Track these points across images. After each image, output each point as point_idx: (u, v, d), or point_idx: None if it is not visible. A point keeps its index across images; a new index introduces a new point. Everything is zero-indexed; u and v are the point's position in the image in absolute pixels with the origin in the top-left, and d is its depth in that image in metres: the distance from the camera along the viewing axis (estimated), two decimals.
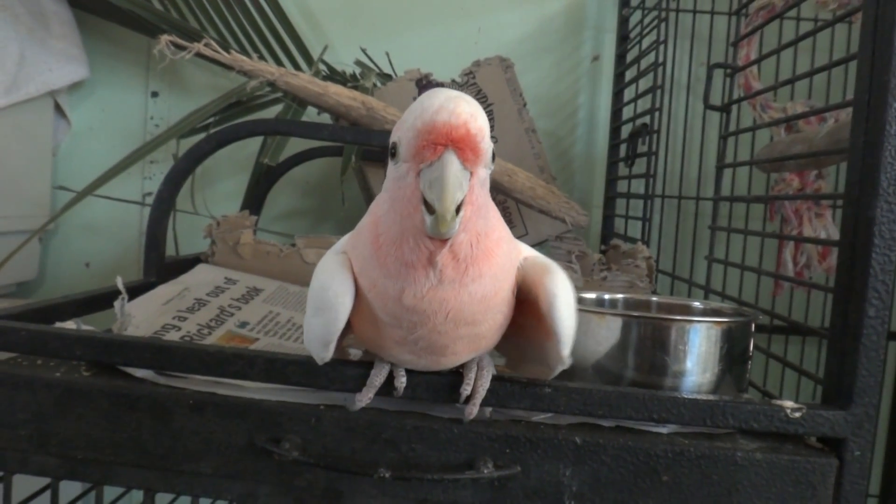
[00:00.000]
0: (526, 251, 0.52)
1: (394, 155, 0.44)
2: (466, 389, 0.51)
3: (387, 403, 0.54)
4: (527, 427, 0.54)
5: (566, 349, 0.49)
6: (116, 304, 0.63)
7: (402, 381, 0.51)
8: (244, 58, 1.01)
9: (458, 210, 0.40)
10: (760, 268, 1.07)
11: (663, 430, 0.54)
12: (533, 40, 1.34)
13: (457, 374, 0.53)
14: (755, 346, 0.64)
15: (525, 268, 0.50)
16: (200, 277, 0.80)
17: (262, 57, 1.21)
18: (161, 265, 0.83)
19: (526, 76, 1.28)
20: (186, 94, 1.37)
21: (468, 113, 0.41)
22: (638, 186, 1.22)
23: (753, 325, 0.60)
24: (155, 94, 1.38)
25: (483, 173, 0.43)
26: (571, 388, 0.53)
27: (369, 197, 1.14)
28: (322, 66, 1.20)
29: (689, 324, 0.56)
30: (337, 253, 0.52)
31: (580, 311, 0.56)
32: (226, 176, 1.35)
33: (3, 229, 1.21)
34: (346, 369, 0.53)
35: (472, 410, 0.52)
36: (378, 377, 0.52)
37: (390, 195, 0.44)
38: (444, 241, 0.42)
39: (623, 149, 1.21)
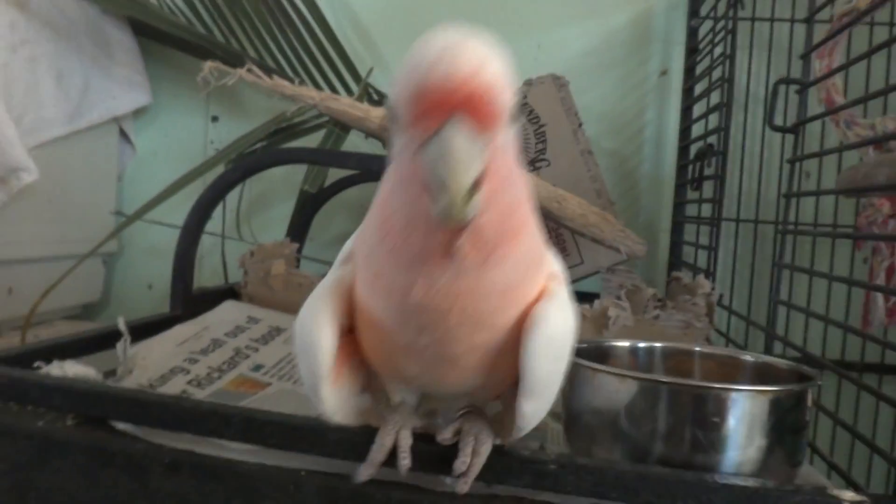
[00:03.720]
0: (554, 266, 0.45)
1: (394, 119, 0.36)
2: (461, 466, 0.45)
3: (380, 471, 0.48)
4: None
5: (528, 402, 0.42)
6: (119, 346, 0.61)
7: (406, 463, 0.44)
8: (285, 82, 1.00)
9: (474, 188, 0.33)
10: (847, 306, 0.94)
11: None
12: (596, 55, 1.26)
13: (452, 446, 0.47)
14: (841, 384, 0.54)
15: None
16: (223, 316, 0.78)
17: (314, 80, 1.20)
18: (188, 297, 0.81)
19: (588, 94, 1.21)
20: (245, 118, 1.37)
21: (475, 62, 0.32)
22: (708, 211, 1.12)
23: (810, 392, 0.51)
24: (215, 119, 1.39)
25: (505, 135, 0.35)
26: (581, 464, 0.45)
27: None
28: (370, 90, 1.16)
29: (727, 393, 0.47)
30: (336, 268, 0.46)
31: (598, 371, 0.49)
32: (280, 201, 1.34)
33: (69, 253, 1.24)
34: (329, 433, 0.48)
35: (464, 488, 0.45)
36: (380, 452, 0.45)
37: (395, 173, 0.37)
38: (461, 227, 0.35)
39: (691, 170, 1.11)
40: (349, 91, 1.19)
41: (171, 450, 0.50)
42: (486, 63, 0.33)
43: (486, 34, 0.34)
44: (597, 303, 0.83)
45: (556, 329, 0.41)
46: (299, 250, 1.08)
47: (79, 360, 0.62)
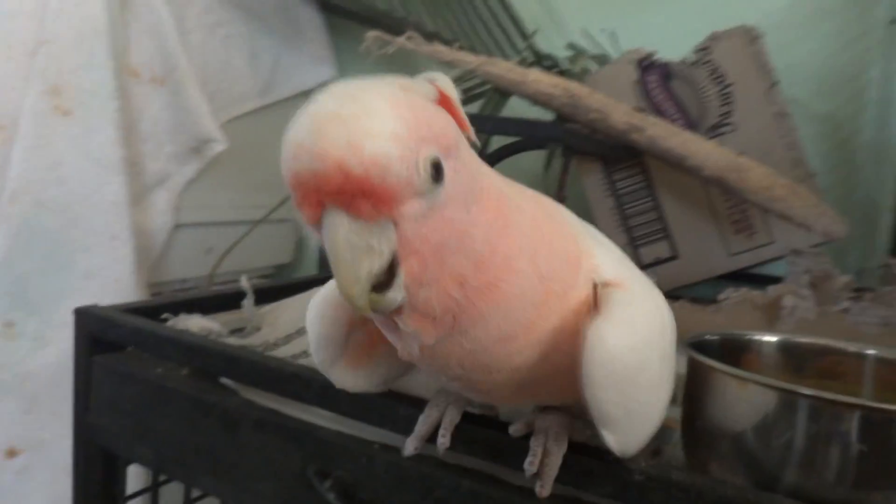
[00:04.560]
0: (602, 259, 0.38)
1: None
2: (531, 467, 0.39)
3: (449, 453, 0.45)
4: None
5: (608, 433, 0.36)
6: (245, 303, 0.63)
7: (444, 441, 0.41)
8: (443, 48, 0.97)
9: (390, 270, 0.29)
10: None
11: None
12: (804, 3, 1.07)
13: (525, 437, 0.41)
14: None
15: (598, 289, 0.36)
16: None
17: (486, 46, 1.16)
18: None
19: (794, 49, 1.04)
20: None
21: (342, 144, 0.27)
22: None
23: None
24: None
25: (422, 203, 0.29)
26: (674, 481, 0.38)
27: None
28: (531, 53, 1.10)
29: (882, 414, 0.36)
30: None
31: (715, 370, 0.41)
32: None
33: (260, 217, 1.35)
34: (400, 408, 0.45)
35: (544, 493, 0.39)
36: (425, 425, 0.42)
37: None
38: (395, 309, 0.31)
39: None
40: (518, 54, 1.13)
41: (261, 407, 0.51)
42: (360, 145, 0.27)
43: (381, 85, 0.29)
44: (770, 289, 0.71)
45: (617, 349, 0.34)
46: None
47: (221, 314, 0.66)
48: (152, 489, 0.58)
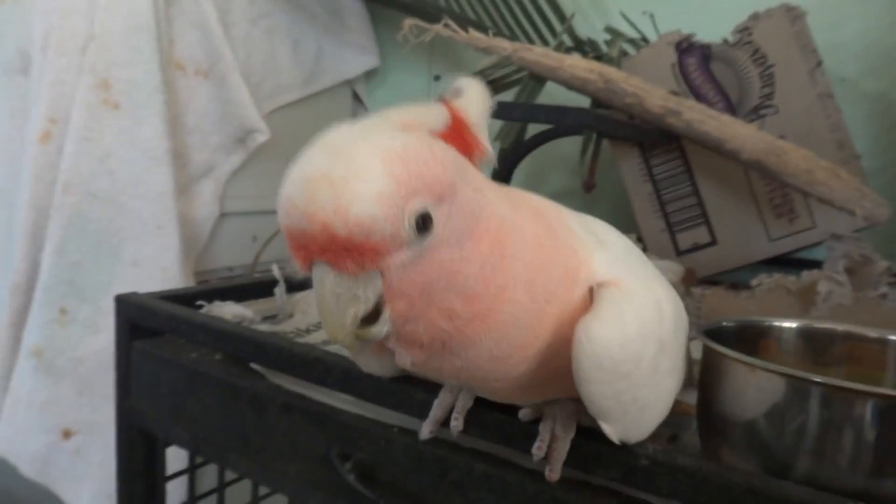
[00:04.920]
0: (600, 261, 0.38)
1: None
2: (538, 452, 0.40)
3: (463, 437, 0.46)
4: (621, 502, 0.40)
5: (607, 426, 0.36)
6: (276, 291, 0.65)
7: (456, 425, 0.43)
8: (479, 35, 0.98)
9: (376, 309, 0.31)
10: None
11: None
12: None
13: (535, 421, 0.42)
14: None
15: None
16: None
17: (525, 33, 1.16)
18: None
19: (841, 28, 1.01)
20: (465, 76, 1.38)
21: (329, 208, 0.28)
22: None
23: None
24: (437, 78, 1.42)
25: (408, 253, 0.31)
26: (679, 466, 0.38)
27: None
28: (569, 37, 1.09)
29: (884, 399, 0.35)
30: None
31: (725, 357, 0.40)
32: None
33: None
34: (416, 392, 0.46)
35: (553, 476, 0.40)
36: (439, 409, 0.44)
37: None
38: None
39: None
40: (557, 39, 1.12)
41: (287, 392, 0.53)
42: (346, 208, 0.29)
43: (378, 132, 0.30)
44: (805, 275, 0.69)
45: (606, 345, 0.34)
46: None
47: (256, 301, 0.69)
48: (189, 471, 0.61)
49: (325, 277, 0.30)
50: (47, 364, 0.96)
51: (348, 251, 0.29)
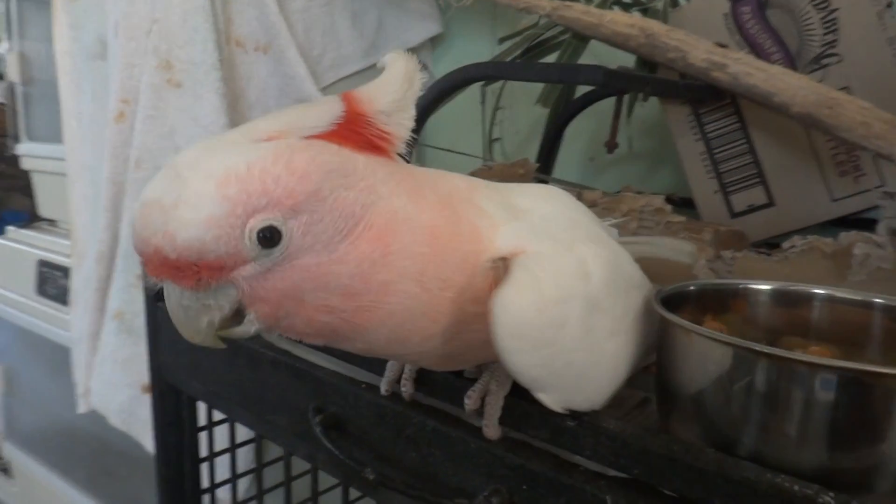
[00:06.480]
0: (505, 235, 0.37)
1: None
2: (469, 403, 0.41)
3: (422, 395, 0.47)
4: (555, 464, 0.40)
5: (543, 395, 0.36)
6: None
7: (406, 390, 0.45)
8: None
9: (235, 313, 0.33)
10: None
11: None
12: None
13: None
14: None
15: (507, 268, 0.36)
16: None
17: None
18: None
19: None
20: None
21: (159, 233, 0.30)
22: None
23: None
24: (502, 41, 1.40)
25: (256, 266, 0.32)
26: (602, 428, 0.37)
27: None
28: None
29: (847, 373, 0.33)
30: None
31: (668, 322, 0.39)
32: (534, 121, 1.31)
33: None
34: None
35: (490, 432, 0.41)
36: (391, 371, 0.46)
37: None
38: None
39: None
40: None
41: (276, 348, 0.56)
42: (173, 234, 0.30)
43: (224, 152, 0.31)
44: (842, 236, 0.64)
45: (522, 313, 0.34)
46: (546, 170, 1.05)
47: None
48: (208, 427, 0.65)
49: (171, 292, 0.32)
50: (127, 325, 1.05)
51: (183, 271, 0.31)
